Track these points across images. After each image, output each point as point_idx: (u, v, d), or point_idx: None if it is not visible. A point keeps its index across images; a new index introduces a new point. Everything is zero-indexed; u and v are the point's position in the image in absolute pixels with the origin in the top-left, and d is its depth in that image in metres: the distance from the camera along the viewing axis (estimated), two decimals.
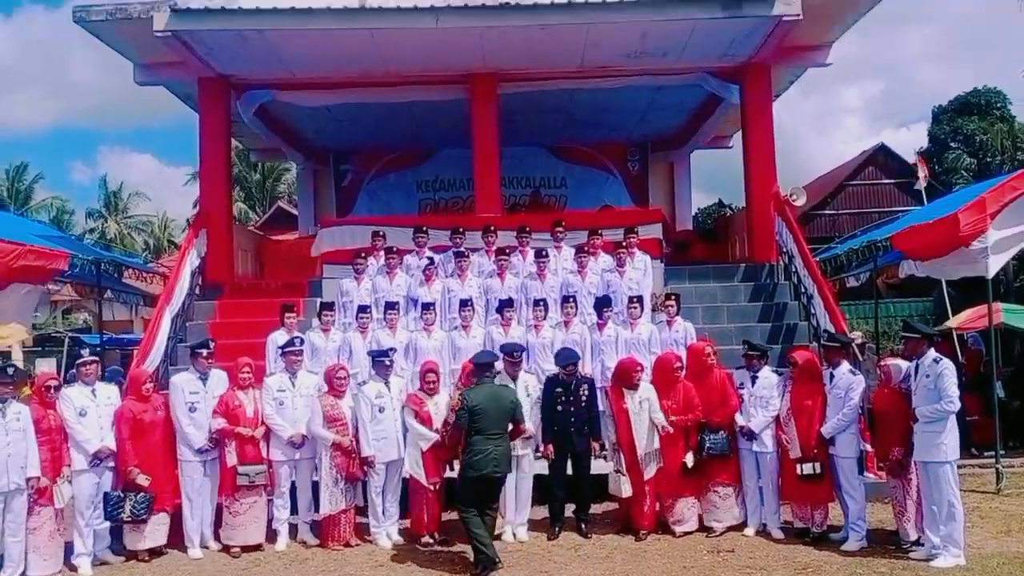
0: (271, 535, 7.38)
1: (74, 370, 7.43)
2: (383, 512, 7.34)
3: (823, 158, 66.23)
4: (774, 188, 11.64)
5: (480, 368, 6.80)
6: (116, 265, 12.63)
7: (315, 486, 7.43)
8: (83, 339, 20.20)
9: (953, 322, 16.16)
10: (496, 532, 7.05)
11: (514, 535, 7.31)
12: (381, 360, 7.48)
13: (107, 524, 7.02)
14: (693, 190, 17.85)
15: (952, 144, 30.53)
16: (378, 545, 7.19)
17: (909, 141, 62.69)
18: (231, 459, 7.19)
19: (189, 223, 13.28)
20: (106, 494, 6.91)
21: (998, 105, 31.05)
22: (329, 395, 7.35)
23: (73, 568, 6.78)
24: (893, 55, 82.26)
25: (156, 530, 7.12)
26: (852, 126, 71.16)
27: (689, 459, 7.24)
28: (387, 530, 7.33)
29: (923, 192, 14.50)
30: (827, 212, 26.81)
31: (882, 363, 7.33)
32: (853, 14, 11.00)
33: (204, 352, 7.52)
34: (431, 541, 7.15)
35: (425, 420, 7.14)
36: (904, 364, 6.86)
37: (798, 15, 9.95)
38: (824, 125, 72.19)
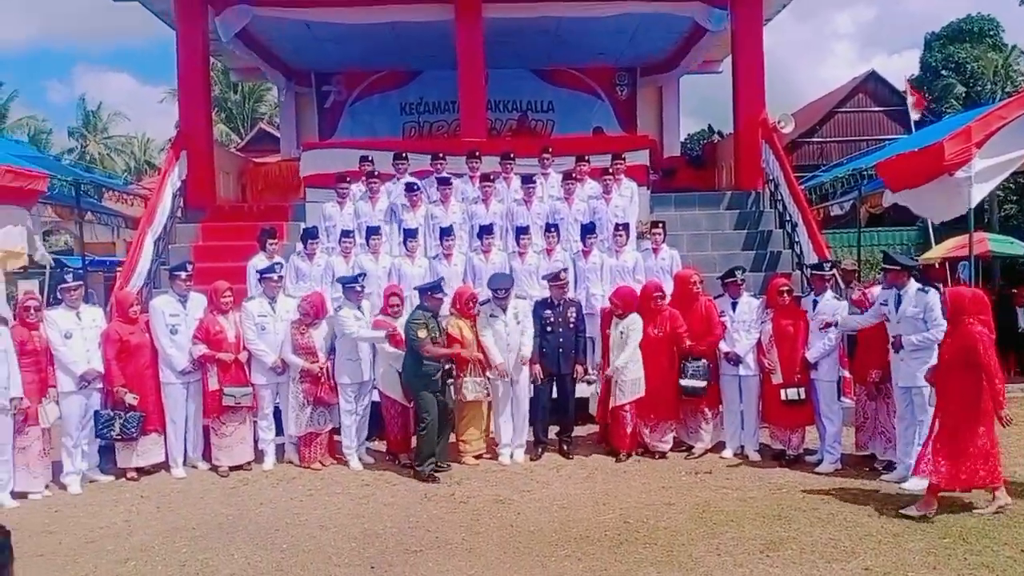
0: (260, 456, 7.53)
1: (58, 293, 7.42)
2: (355, 433, 7.50)
3: (814, 84, 65.60)
4: (762, 115, 11.54)
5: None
6: (96, 187, 12.47)
7: (277, 410, 7.61)
8: (65, 261, 20.10)
9: (936, 252, 16.39)
10: (495, 454, 7.42)
11: (511, 456, 7.50)
12: (351, 287, 7.52)
13: (96, 443, 7.15)
14: (683, 115, 17.71)
15: (944, 72, 30.29)
16: (350, 466, 7.36)
17: (901, 68, 61.94)
18: (213, 383, 7.27)
19: (170, 144, 13.06)
20: (96, 412, 6.99)
21: (991, 33, 30.72)
22: (301, 323, 7.38)
23: (63, 486, 6.90)
24: None
25: (150, 449, 7.25)
26: (844, 52, 70.38)
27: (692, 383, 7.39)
28: (359, 452, 7.51)
29: (913, 119, 14.47)
30: (815, 139, 26.72)
31: (867, 291, 7.43)
32: None
33: (183, 275, 7.50)
34: (407, 462, 7.31)
35: (397, 343, 7.24)
36: (885, 293, 6.95)
37: None
38: (816, 51, 71.35)
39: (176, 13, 11.73)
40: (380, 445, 7.84)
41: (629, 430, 7.46)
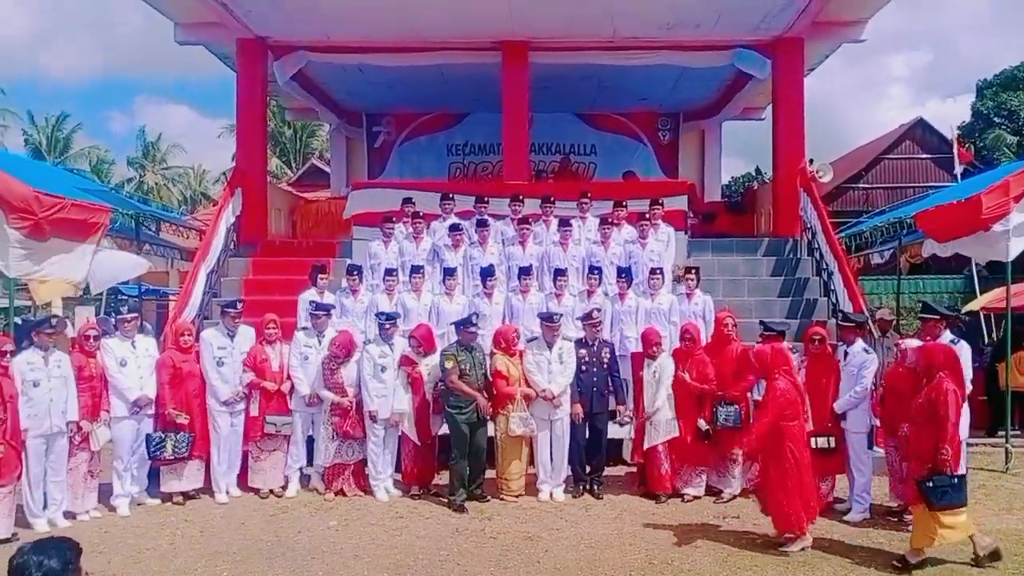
0: (286, 482, 7.88)
1: (114, 323, 7.85)
2: (381, 466, 7.75)
3: (867, 127, 65.25)
4: (801, 164, 11.68)
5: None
6: (154, 219, 13.04)
7: (310, 440, 7.95)
8: (121, 289, 20.82)
9: (979, 302, 16.15)
10: (533, 490, 7.68)
11: (551, 495, 7.68)
12: (383, 324, 7.82)
13: (146, 468, 7.51)
14: (730, 157, 18.10)
15: (996, 119, 29.94)
16: (376, 497, 7.62)
17: (955, 113, 61.38)
18: (254, 410, 7.69)
19: (224, 177, 13.61)
20: (148, 435, 7.36)
21: None
22: (332, 360, 7.70)
23: (112, 508, 7.24)
24: (943, 24, 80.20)
25: (192, 475, 7.61)
26: (897, 96, 69.92)
27: (701, 424, 7.51)
28: (384, 483, 7.75)
29: (957, 174, 14.42)
30: (861, 185, 26.49)
31: (898, 342, 7.47)
32: None
33: (232, 312, 7.97)
34: (417, 493, 7.65)
35: (415, 381, 7.53)
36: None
37: None
38: (869, 95, 70.92)
39: (237, 57, 12.35)
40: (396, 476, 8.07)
41: (665, 470, 7.58)
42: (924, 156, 26.44)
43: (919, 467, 5.71)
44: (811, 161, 12.43)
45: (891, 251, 12.46)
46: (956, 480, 5.56)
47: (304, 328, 8.16)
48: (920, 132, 27.12)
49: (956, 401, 5.60)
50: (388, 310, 8.60)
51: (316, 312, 8.10)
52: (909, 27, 72.58)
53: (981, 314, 15.63)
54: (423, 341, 7.74)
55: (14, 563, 2.29)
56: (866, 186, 26.29)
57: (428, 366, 7.66)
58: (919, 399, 5.84)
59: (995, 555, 5.69)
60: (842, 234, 13.89)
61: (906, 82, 72.64)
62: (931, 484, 5.54)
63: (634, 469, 8.15)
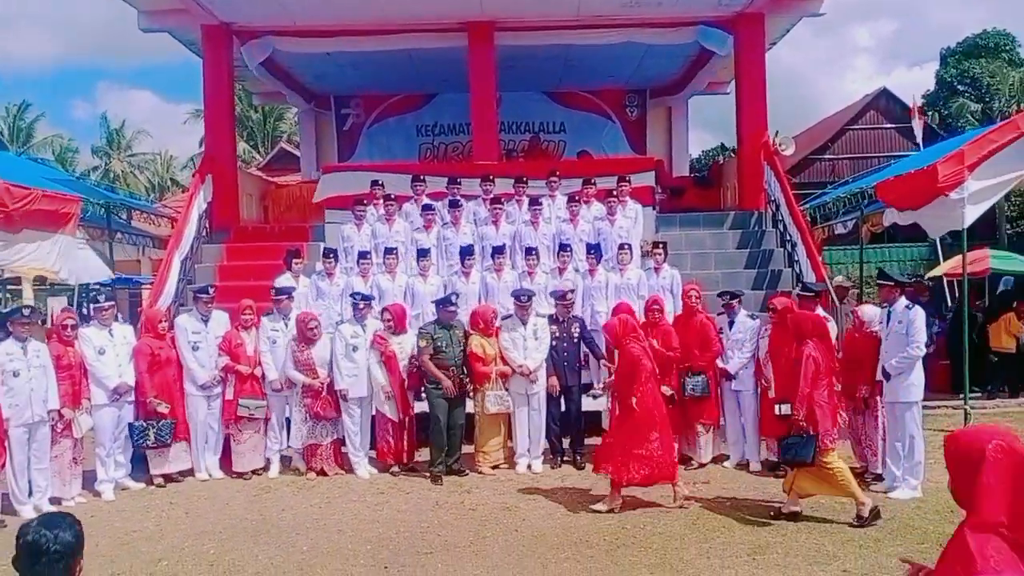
0: (267, 464, 8.05)
1: (91, 312, 7.94)
2: (359, 444, 7.94)
3: (835, 97, 65.79)
4: (764, 137, 11.90)
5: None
6: (124, 207, 13.01)
7: (288, 422, 8.12)
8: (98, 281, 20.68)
9: (942, 268, 16.60)
10: (512, 464, 7.92)
11: (529, 467, 7.91)
12: (356, 304, 7.96)
13: (128, 453, 7.64)
14: (700, 131, 18.13)
15: (959, 87, 30.40)
16: (356, 474, 7.82)
17: (921, 81, 62.12)
18: (229, 393, 7.88)
19: (193, 163, 13.60)
20: (130, 425, 7.48)
21: (1007, 48, 30.75)
22: (299, 342, 7.85)
23: (97, 494, 7.37)
24: None
25: (179, 456, 7.79)
26: (863, 66, 70.49)
27: (665, 390, 7.75)
28: (363, 461, 7.96)
29: (919, 143, 14.74)
30: (827, 156, 26.91)
31: (854, 309, 7.77)
32: None
33: (205, 296, 8.12)
34: (397, 470, 7.82)
35: (389, 359, 7.69)
36: (875, 310, 7.30)
37: None
38: (835, 66, 71.46)
39: (203, 43, 12.30)
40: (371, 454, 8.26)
41: None
42: (888, 126, 26.90)
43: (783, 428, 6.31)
44: (776, 133, 12.68)
45: (854, 221, 12.76)
46: (803, 438, 5.99)
47: (269, 313, 8.27)
48: (884, 102, 27.57)
49: (812, 366, 6.02)
50: (362, 292, 8.74)
51: (279, 296, 8.23)
52: None
53: (944, 280, 16.11)
54: (396, 317, 7.90)
55: (27, 539, 2.26)
56: (832, 157, 26.72)
57: (401, 344, 7.83)
58: (790, 363, 6.36)
59: (875, 514, 6.01)
60: (806, 205, 14.19)
61: (871, 52, 73.31)
62: (786, 440, 6.13)
63: None
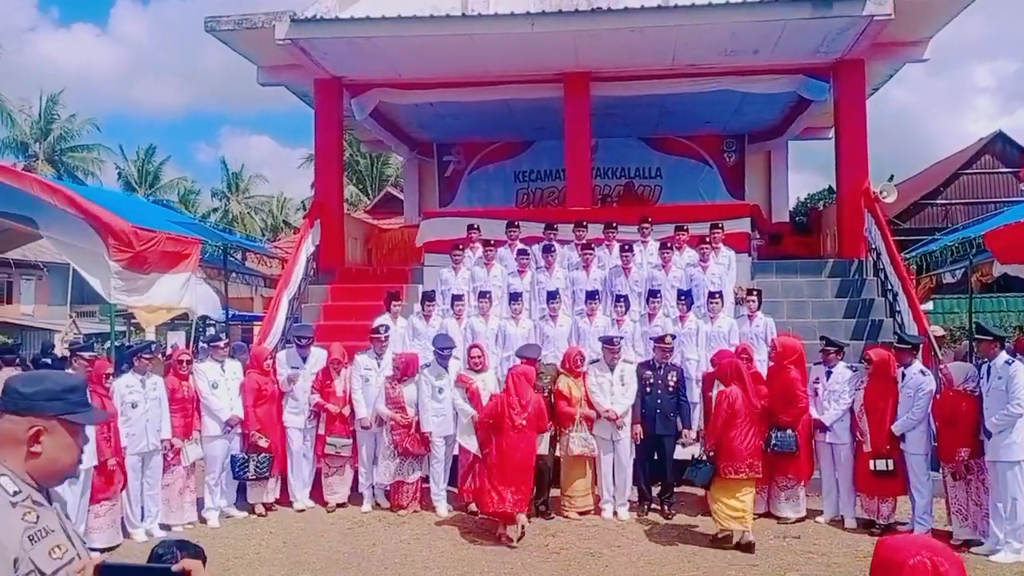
0: (360, 499, 8.33)
1: (204, 345, 8.52)
2: (441, 482, 8.15)
3: (952, 138, 63.35)
4: (864, 184, 11.68)
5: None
6: (240, 248, 13.86)
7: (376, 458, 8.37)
8: (209, 315, 21.92)
9: None
10: (597, 509, 7.96)
11: (615, 513, 7.93)
12: (440, 352, 8.25)
13: (234, 483, 8.10)
14: (809, 174, 17.91)
15: None
16: (436, 511, 8.02)
17: None
18: (321, 429, 8.27)
19: (304, 206, 14.34)
20: (232, 457, 7.94)
21: None
22: (393, 379, 8.17)
23: (204, 520, 7.83)
24: None
25: (272, 487, 8.22)
26: (984, 106, 67.60)
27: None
28: (443, 499, 8.15)
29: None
30: (939, 202, 25.83)
31: (942, 367, 7.47)
32: (949, 11, 10.87)
33: (303, 341, 8.62)
34: (476, 510, 7.77)
35: (473, 395, 7.85)
36: (964, 367, 7.05)
37: (890, 15, 9.99)
38: (954, 106, 68.81)
39: (315, 96, 13.09)
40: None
41: None
42: (1004, 170, 25.66)
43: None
44: (891, 177, 12.42)
45: (962, 270, 12.27)
46: (702, 464, 7.03)
47: (364, 351, 8.64)
48: (1000, 145, 26.33)
49: (725, 408, 6.90)
50: (456, 333, 9.04)
51: (375, 335, 8.59)
52: (995, 33, 70.35)
53: None
54: (403, 366, 8.14)
55: (158, 552, 2.61)
56: (944, 202, 25.62)
57: (484, 381, 8.01)
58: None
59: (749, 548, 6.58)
60: (912, 254, 13.75)
61: (992, 92, 70.24)
62: (692, 462, 7.18)
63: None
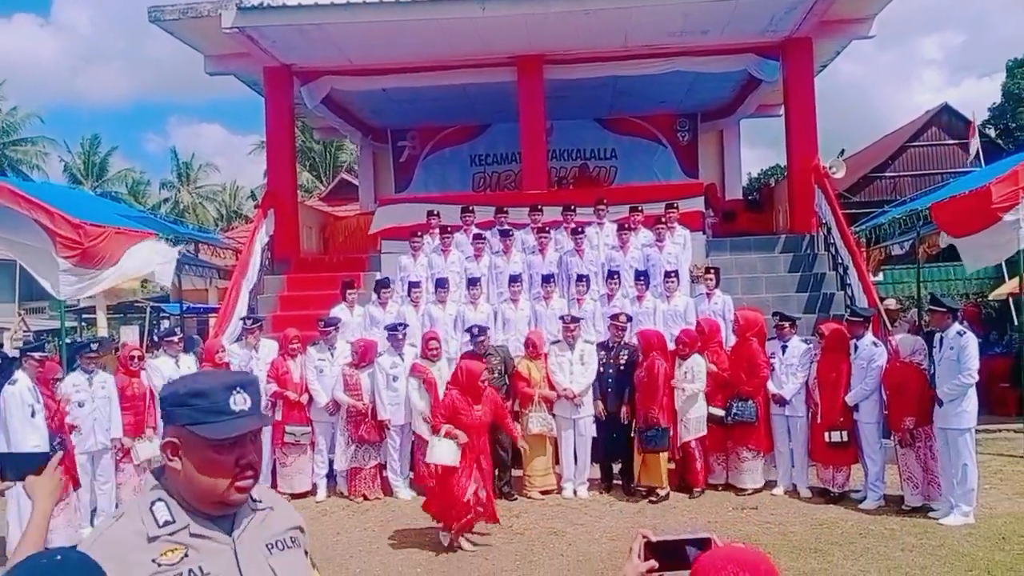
0: (314, 488, 8.36)
1: (156, 339, 8.41)
2: (400, 468, 8.20)
3: (900, 110, 64.61)
4: (815, 160, 11.86)
5: None
6: (192, 240, 13.62)
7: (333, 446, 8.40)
8: (164, 308, 21.59)
9: (1008, 287, 16.16)
10: (558, 488, 8.05)
11: (575, 492, 8.04)
12: (394, 334, 8.23)
13: None
14: (762, 149, 18.04)
15: None
16: (398, 497, 8.08)
17: (990, 93, 60.48)
18: (277, 416, 8.20)
19: (256, 196, 14.15)
20: None
21: None
22: (351, 365, 8.17)
23: None
24: (977, 3, 78.99)
25: None
26: (931, 78, 68.97)
27: (715, 411, 7.83)
28: (404, 484, 8.22)
29: (981, 159, 14.45)
30: (888, 175, 26.34)
31: (889, 338, 7.68)
32: None
33: (253, 328, 8.64)
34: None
35: (430, 384, 7.89)
36: (911, 340, 7.26)
37: None
38: (902, 78, 70.07)
39: (265, 84, 12.88)
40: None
41: (699, 465, 7.89)
42: (950, 142, 26.23)
43: (643, 422, 7.68)
44: (842, 152, 12.63)
45: (910, 242, 12.59)
46: (659, 431, 7.60)
47: (315, 343, 8.60)
48: (946, 118, 26.89)
49: (663, 373, 7.65)
50: (414, 320, 9.02)
51: (326, 327, 8.55)
52: (940, 5, 71.69)
53: (1010, 299, 15.65)
54: (360, 351, 8.17)
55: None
56: (893, 175, 26.14)
57: (439, 370, 8.03)
58: (641, 372, 7.77)
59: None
60: (862, 226, 14.04)
61: (939, 64, 71.67)
62: (647, 433, 7.60)
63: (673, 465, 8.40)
